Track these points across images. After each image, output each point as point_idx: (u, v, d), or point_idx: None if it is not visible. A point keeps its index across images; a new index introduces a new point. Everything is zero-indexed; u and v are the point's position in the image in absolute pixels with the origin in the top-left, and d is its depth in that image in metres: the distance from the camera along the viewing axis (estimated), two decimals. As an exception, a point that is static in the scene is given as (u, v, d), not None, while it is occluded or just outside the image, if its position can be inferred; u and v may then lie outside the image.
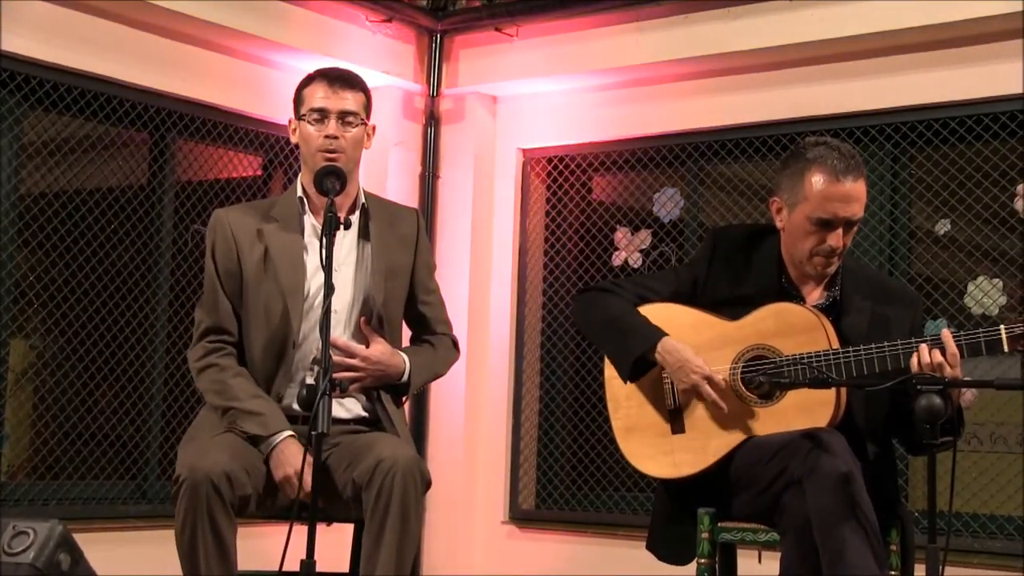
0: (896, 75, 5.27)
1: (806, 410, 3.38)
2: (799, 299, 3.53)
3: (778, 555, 3.29)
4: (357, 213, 3.70)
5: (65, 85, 5.14)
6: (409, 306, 3.80)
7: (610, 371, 3.68)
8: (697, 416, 3.52)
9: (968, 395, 5.05)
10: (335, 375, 3.23)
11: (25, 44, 4.94)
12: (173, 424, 5.52)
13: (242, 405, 3.51)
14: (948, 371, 3.21)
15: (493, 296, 6.24)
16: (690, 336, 3.54)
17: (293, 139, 3.71)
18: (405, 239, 3.77)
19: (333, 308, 3.42)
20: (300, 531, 3.08)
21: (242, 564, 3.41)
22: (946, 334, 3.26)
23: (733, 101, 5.65)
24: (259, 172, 6.00)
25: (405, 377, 3.68)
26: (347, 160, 3.62)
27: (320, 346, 3.24)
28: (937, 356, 3.23)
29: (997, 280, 5.18)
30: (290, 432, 3.49)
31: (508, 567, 6.02)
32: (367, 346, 3.63)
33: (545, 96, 6.18)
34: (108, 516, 5.26)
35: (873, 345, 3.33)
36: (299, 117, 3.68)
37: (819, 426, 3.34)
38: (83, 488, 5.28)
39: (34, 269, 5.20)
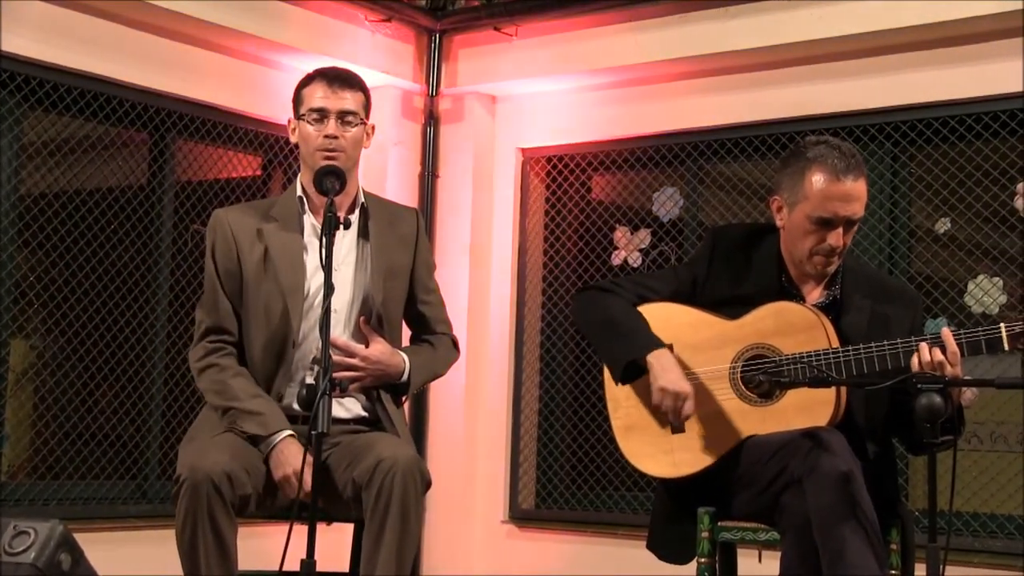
0: (895, 74, 5.27)
1: (806, 409, 3.38)
2: (799, 298, 3.53)
3: (778, 554, 3.29)
4: (357, 212, 3.70)
5: (65, 85, 5.14)
6: (409, 306, 3.80)
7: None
8: (697, 415, 3.52)
9: (968, 394, 5.04)
10: (335, 375, 3.23)
11: (25, 44, 4.94)
12: (173, 424, 5.52)
13: (242, 405, 3.51)
14: (948, 370, 3.21)
15: (492, 296, 6.24)
16: (689, 335, 3.54)
17: (292, 139, 3.71)
18: (405, 239, 3.77)
19: (333, 308, 3.42)
20: (300, 531, 3.08)
21: (242, 564, 3.42)
22: (946, 333, 3.26)
23: (732, 100, 5.65)
24: (259, 172, 6.00)
25: (405, 377, 3.68)
26: (346, 160, 3.62)
27: (320, 346, 3.25)
28: (937, 355, 3.23)
29: (997, 279, 5.18)
30: (290, 432, 3.49)
31: (508, 567, 6.02)
32: (367, 346, 3.63)
33: (544, 96, 6.19)
34: (108, 516, 5.26)
35: (873, 344, 3.33)
36: (298, 117, 3.68)
37: (819, 425, 3.34)
38: (83, 488, 5.28)
39: (34, 269, 5.20)
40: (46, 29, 5.01)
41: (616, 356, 3.57)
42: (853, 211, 3.41)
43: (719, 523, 3.50)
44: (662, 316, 3.58)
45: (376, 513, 3.33)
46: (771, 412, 3.44)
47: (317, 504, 3.22)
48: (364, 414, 3.67)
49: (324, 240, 3.27)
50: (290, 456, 3.45)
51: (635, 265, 6.06)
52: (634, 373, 3.55)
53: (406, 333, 3.89)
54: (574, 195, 6.23)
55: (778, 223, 3.54)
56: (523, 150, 6.30)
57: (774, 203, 3.53)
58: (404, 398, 3.76)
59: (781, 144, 5.53)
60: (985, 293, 5.18)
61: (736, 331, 3.51)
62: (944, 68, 5.16)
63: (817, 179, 3.40)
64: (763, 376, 3.39)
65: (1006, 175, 5.14)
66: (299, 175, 3.73)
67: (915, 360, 3.24)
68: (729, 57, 5.54)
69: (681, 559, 3.59)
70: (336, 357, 3.50)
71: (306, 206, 3.68)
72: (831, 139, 3.48)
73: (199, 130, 5.63)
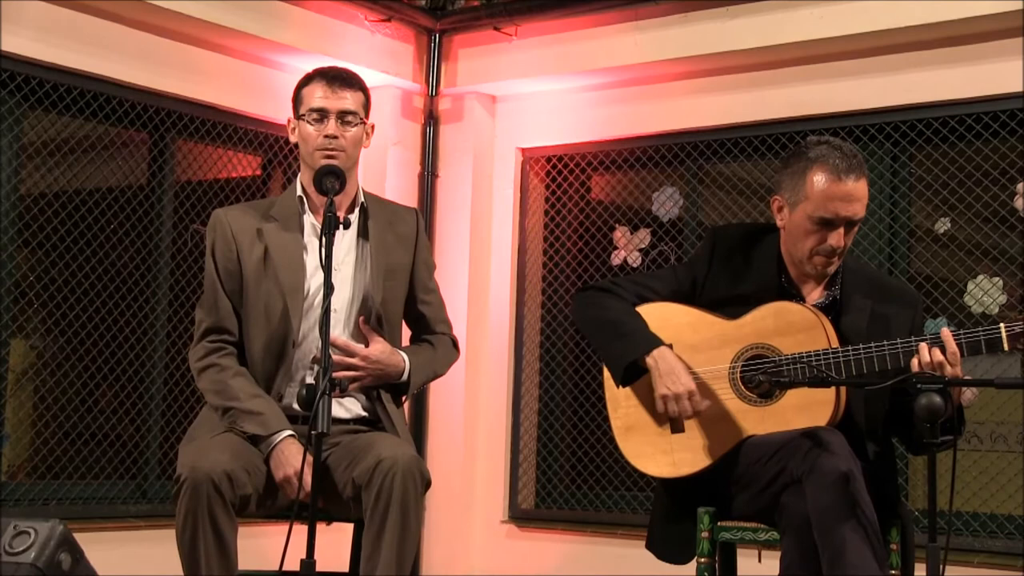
0: (895, 74, 5.27)
1: (806, 409, 3.38)
2: (799, 298, 3.53)
3: (778, 554, 3.29)
4: (356, 212, 3.70)
5: (65, 85, 5.14)
6: (409, 305, 3.81)
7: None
8: (697, 416, 3.52)
9: (968, 394, 5.05)
10: (334, 374, 3.23)
11: (25, 44, 4.94)
12: (173, 424, 5.53)
13: (242, 405, 3.51)
14: (948, 370, 3.21)
15: (492, 295, 6.24)
16: (689, 335, 3.54)
17: (292, 139, 3.71)
18: (404, 238, 3.77)
19: (332, 307, 3.42)
20: (300, 531, 3.08)
21: (242, 564, 3.42)
22: (946, 333, 3.26)
23: (732, 100, 5.65)
24: (258, 172, 6.00)
25: (404, 376, 3.69)
26: (346, 159, 3.62)
27: (320, 345, 3.25)
28: (937, 355, 3.23)
29: (997, 279, 5.18)
30: (290, 432, 3.49)
31: (508, 567, 6.02)
32: (367, 346, 3.63)
33: (544, 95, 6.19)
34: (108, 516, 5.26)
35: (873, 344, 3.33)
36: (298, 117, 3.68)
37: (819, 425, 3.34)
38: (83, 488, 5.28)
39: (34, 269, 5.20)
40: (46, 29, 5.01)
41: (616, 358, 3.57)
42: (854, 212, 3.41)
43: (719, 523, 3.50)
44: (662, 316, 3.58)
45: (376, 513, 3.33)
46: (771, 412, 3.44)
47: (317, 504, 3.22)
48: (364, 414, 3.67)
49: (324, 240, 3.27)
50: (290, 456, 3.45)
51: (635, 265, 6.06)
52: (634, 374, 3.55)
53: (406, 333, 3.89)
54: (574, 195, 6.23)
55: (778, 223, 3.54)
56: (523, 150, 6.30)
57: (775, 203, 3.53)
58: (404, 398, 3.76)
59: (781, 144, 5.53)
60: (985, 293, 5.18)
61: (736, 331, 3.51)
62: (944, 68, 5.16)
63: (818, 179, 3.40)
64: (763, 376, 3.39)
65: (1006, 175, 5.14)
66: (299, 175, 3.74)
67: (915, 361, 3.24)
68: (728, 57, 5.54)
69: (681, 559, 3.59)
70: (336, 357, 3.50)
71: (306, 206, 3.69)
72: (832, 139, 3.48)
73: (199, 130, 5.63)
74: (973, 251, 5.26)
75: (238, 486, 3.33)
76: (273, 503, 3.53)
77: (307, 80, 3.70)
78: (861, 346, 3.34)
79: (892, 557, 3.36)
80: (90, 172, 5.37)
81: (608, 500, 5.96)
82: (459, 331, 4.11)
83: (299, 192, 3.70)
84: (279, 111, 5.42)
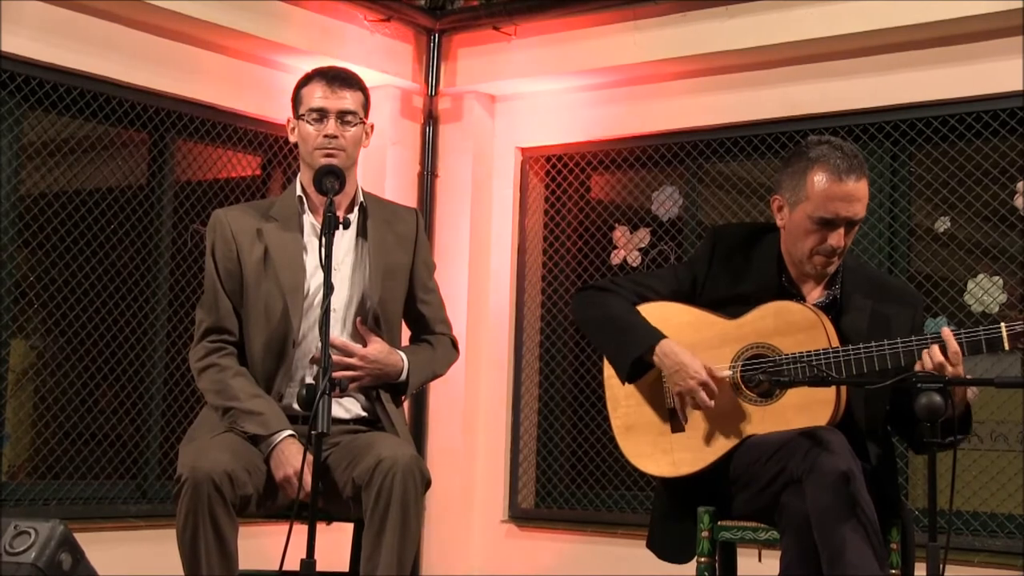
0: (895, 72, 5.27)
1: (806, 409, 3.38)
2: (799, 298, 3.53)
3: (778, 554, 3.29)
4: (356, 212, 3.70)
5: (65, 85, 5.14)
6: (408, 305, 3.81)
7: (609, 370, 3.67)
8: (697, 415, 3.52)
9: (969, 393, 5.03)
10: (333, 374, 3.23)
11: (24, 44, 4.94)
12: (173, 424, 5.53)
13: (242, 405, 3.52)
14: (949, 370, 3.21)
15: (492, 295, 6.24)
16: (689, 335, 3.54)
17: (292, 139, 3.71)
18: (404, 238, 3.77)
19: (332, 307, 3.42)
20: (300, 531, 3.08)
21: (242, 564, 3.42)
22: (946, 332, 3.26)
23: (731, 99, 5.65)
24: (258, 172, 6.01)
25: (403, 376, 3.69)
26: (346, 159, 3.62)
27: (319, 345, 3.25)
28: (938, 355, 3.23)
29: (997, 278, 5.18)
30: (290, 432, 3.49)
31: (507, 566, 6.02)
32: (366, 345, 3.63)
33: (543, 95, 6.19)
34: (108, 516, 5.27)
35: (873, 344, 3.32)
36: (298, 117, 3.68)
37: (819, 425, 3.34)
38: (83, 488, 5.28)
39: (34, 269, 5.20)
40: (46, 29, 5.01)
41: (620, 356, 3.57)
42: (855, 212, 3.40)
43: (719, 522, 3.50)
44: (662, 315, 3.58)
45: (376, 513, 3.34)
46: (771, 412, 3.44)
47: (317, 504, 3.22)
48: (364, 414, 3.67)
49: (323, 240, 3.27)
50: (291, 456, 3.45)
51: (634, 264, 6.06)
52: (640, 370, 3.55)
53: (406, 333, 3.89)
54: (573, 194, 6.23)
55: (779, 222, 3.53)
56: (522, 149, 6.30)
57: (775, 202, 3.53)
58: (403, 397, 3.76)
59: (781, 144, 5.53)
60: (985, 292, 5.18)
61: (736, 330, 3.51)
62: (944, 67, 5.16)
63: (819, 179, 3.39)
64: (763, 375, 3.39)
65: (1006, 174, 5.14)
66: (298, 175, 3.74)
67: (919, 366, 3.24)
68: (728, 56, 5.54)
69: (681, 558, 3.59)
70: (335, 357, 3.50)
71: (305, 206, 3.69)
72: (833, 139, 3.47)
73: (199, 130, 5.63)
74: (973, 250, 5.26)
75: (238, 486, 3.33)
76: (273, 503, 3.53)
77: (306, 80, 3.70)
78: (861, 346, 3.34)
79: (892, 556, 3.36)
80: (90, 172, 5.37)
81: (608, 500, 5.96)
82: (459, 331, 4.11)
83: (299, 192, 3.70)
84: (279, 111, 5.42)
